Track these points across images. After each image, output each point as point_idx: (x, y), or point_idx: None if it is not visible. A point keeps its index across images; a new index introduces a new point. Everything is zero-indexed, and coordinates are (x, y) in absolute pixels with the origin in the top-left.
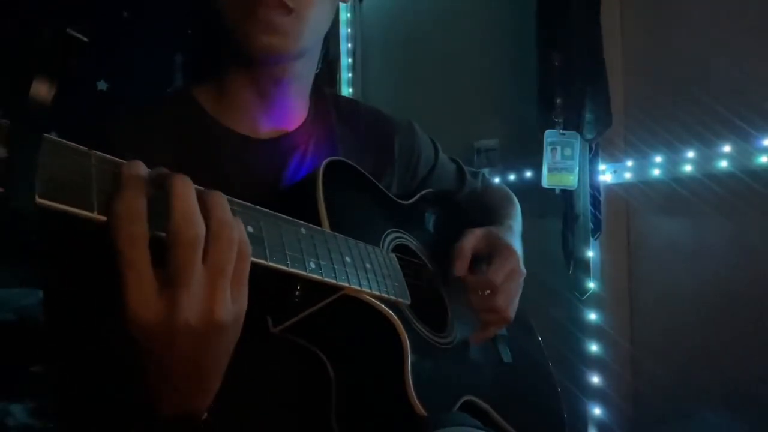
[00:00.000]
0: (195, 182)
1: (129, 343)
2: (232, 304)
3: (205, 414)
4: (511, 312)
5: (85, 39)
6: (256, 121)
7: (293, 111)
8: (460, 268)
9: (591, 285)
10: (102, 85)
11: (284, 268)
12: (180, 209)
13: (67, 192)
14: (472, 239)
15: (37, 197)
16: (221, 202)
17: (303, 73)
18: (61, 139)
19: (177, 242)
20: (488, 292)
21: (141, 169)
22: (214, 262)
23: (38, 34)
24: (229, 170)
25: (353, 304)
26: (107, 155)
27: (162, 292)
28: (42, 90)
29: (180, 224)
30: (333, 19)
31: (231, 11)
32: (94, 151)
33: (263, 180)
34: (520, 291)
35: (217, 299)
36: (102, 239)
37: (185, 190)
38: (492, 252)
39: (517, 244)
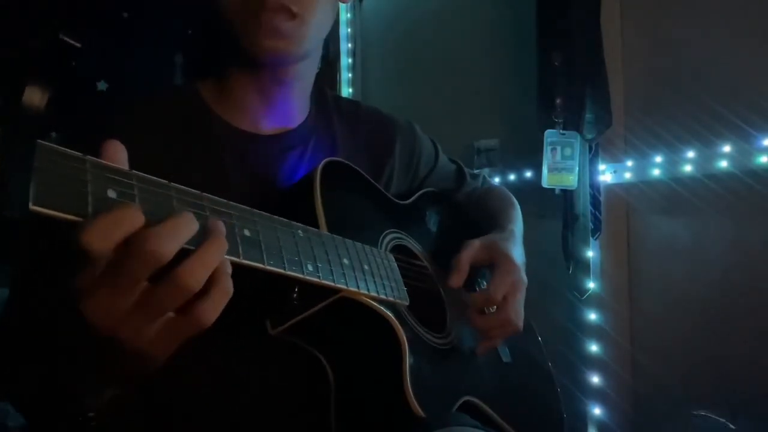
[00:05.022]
0: (194, 175)
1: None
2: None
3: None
4: (519, 322)
5: (78, 44)
6: (258, 119)
7: (294, 110)
8: (457, 280)
9: (591, 285)
10: (102, 86)
11: (281, 271)
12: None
13: (62, 198)
14: (470, 251)
15: (30, 204)
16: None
17: (305, 74)
18: (54, 145)
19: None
20: (493, 308)
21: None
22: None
23: (31, 40)
24: (229, 165)
25: (351, 305)
26: (102, 161)
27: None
28: (35, 96)
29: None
30: (334, 20)
31: (235, 16)
32: (89, 157)
33: (262, 175)
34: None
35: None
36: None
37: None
38: (493, 263)
39: (518, 252)
